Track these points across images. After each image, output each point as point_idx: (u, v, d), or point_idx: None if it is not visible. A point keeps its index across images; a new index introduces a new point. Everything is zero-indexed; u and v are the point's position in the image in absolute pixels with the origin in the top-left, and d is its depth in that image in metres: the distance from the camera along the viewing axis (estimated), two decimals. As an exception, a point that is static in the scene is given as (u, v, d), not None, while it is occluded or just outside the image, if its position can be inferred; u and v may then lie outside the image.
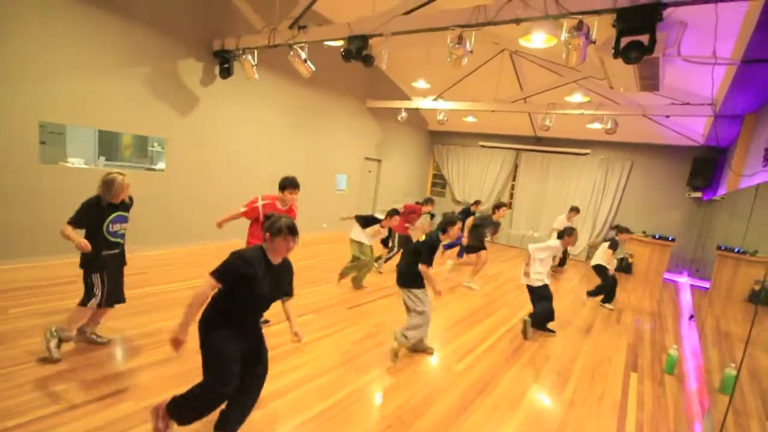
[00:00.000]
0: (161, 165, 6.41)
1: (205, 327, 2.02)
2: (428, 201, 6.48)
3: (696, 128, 7.74)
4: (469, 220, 6.17)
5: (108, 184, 2.75)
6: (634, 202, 9.23)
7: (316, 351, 3.35)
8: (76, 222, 2.71)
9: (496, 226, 6.12)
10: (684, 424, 2.98)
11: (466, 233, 6.03)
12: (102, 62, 4.77)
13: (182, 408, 2.02)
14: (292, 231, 2.02)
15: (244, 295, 1.98)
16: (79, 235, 2.68)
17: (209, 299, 2.00)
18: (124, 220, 2.94)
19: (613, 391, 3.33)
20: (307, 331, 3.70)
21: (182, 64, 5.60)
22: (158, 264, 4.95)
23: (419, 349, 3.57)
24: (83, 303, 2.80)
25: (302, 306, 4.24)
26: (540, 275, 4.37)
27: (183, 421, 2.05)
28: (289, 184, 3.54)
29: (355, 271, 5.15)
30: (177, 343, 1.94)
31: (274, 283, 2.07)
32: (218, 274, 1.92)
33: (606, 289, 5.83)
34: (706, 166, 7.85)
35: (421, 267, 3.32)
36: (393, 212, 5.21)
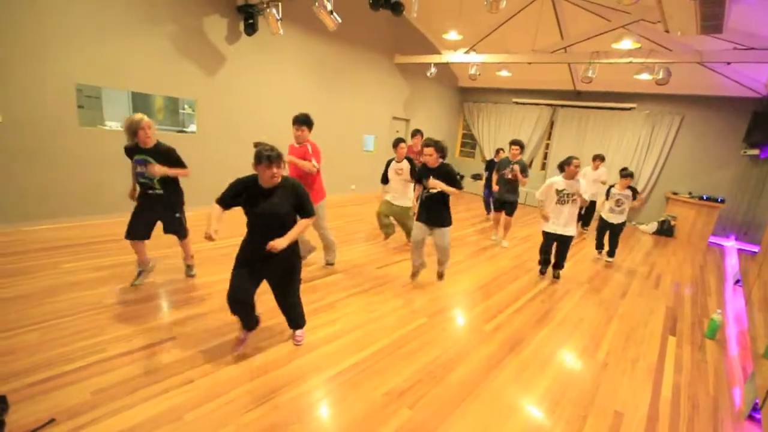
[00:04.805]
0: (192, 128, 6.48)
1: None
2: (416, 132, 6.06)
3: (758, 77, 6.97)
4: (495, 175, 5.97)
5: (126, 128, 3.07)
6: (680, 160, 8.57)
7: (346, 308, 3.43)
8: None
9: (522, 166, 5.55)
10: (724, 389, 2.89)
11: (494, 186, 5.93)
12: (129, 21, 4.73)
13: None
14: (270, 158, 2.28)
15: (246, 212, 2.46)
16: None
17: None
18: (144, 163, 3.13)
19: (649, 354, 3.25)
20: (336, 289, 3.78)
21: (207, 21, 5.48)
22: (189, 225, 5.08)
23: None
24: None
25: (331, 267, 4.31)
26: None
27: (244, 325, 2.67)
28: (294, 121, 3.71)
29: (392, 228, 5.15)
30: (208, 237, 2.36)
31: (268, 202, 2.39)
32: (219, 198, 2.42)
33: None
34: (767, 120, 7.12)
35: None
36: (398, 141, 4.96)
